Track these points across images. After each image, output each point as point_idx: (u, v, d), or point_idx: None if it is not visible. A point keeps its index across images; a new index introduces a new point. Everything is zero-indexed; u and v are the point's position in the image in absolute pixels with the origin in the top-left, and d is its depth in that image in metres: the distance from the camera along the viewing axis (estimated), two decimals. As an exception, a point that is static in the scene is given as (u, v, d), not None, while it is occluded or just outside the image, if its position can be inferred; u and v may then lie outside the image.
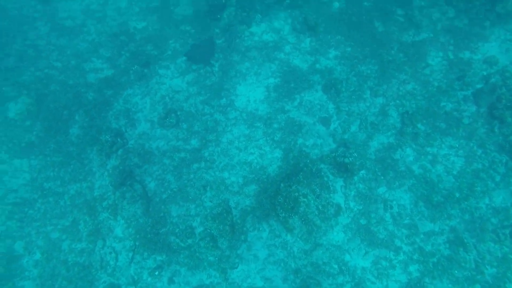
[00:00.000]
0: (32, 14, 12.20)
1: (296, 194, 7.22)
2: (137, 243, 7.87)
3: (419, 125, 8.00)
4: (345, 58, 9.45)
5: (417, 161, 7.79)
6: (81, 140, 9.42)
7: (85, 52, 10.96)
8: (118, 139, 9.03)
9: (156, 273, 7.53)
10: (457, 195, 7.29)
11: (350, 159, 7.57)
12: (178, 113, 9.39)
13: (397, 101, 8.48)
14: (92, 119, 9.69)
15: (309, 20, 9.79)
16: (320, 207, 7.30)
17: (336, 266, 7.17)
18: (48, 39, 11.50)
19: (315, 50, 9.78)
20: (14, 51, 11.45)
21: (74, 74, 10.58)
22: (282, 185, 7.50)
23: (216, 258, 7.45)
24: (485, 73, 8.25)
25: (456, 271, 6.74)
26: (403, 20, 9.42)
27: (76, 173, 8.99)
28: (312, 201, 7.30)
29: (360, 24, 9.66)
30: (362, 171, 7.82)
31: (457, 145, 7.71)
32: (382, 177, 7.74)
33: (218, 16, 10.46)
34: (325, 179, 7.73)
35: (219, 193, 8.09)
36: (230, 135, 8.96)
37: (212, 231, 7.56)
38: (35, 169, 9.24)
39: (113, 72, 10.37)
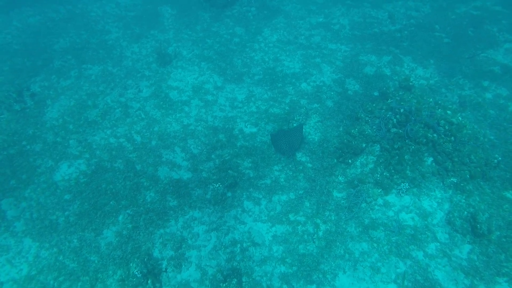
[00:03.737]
0: (143, 71, 12.97)
1: None
2: None
3: None
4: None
5: None
6: (110, 253, 8.25)
7: (172, 135, 10.62)
8: (149, 281, 7.53)
9: None
10: None
11: None
12: (243, 279, 7.61)
13: None
14: (136, 229, 8.61)
15: (478, 220, 7.60)
16: None
17: None
18: (143, 104, 11.72)
19: (476, 270, 7.37)
20: (103, 104, 11.89)
21: (147, 158, 10.10)
22: None
23: None
24: None
25: None
26: None
27: (78, 301, 7.62)
28: None
29: None
30: None
31: None
32: None
33: (350, 161, 9.07)
34: None
35: None
36: None
37: None
38: (39, 265, 8.22)
39: (190, 177, 9.52)
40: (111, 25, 15.45)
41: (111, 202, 9.28)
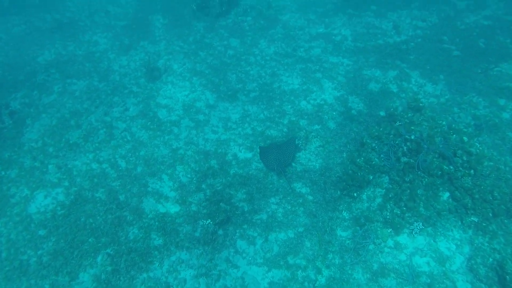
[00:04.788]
0: (131, 87, 11.77)
1: None
2: None
3: None
4: None
5: None
6: (84, 303, 7.06)
7: (159, 161, 9.43)
8: None
9: None
10: None
11: None
12: (236, 338, 6.42)
13: None
14: (116, 272, 7.44)
15: (507, 270, 6.44)
16: None
17: None
18: (129, 124, 10.53)
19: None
20: (87, 124, 10.71)
21: (131, 188, 8.92)
22: None
23: None
24: None
25: None
26: None
27: None
28: None
29: None
30: None
31: None
32: None
33: (355, 194, 7.87)
34: None
35: None
36: None
37: None
38: (4, 318, 7.04)
39: (178, 211, 8.34)
40: (100, 35, 14.24)
41: (89, 239, 8.13)
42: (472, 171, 7.13)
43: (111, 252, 7.85)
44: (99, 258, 7.80)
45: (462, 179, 7.13)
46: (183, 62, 12.30)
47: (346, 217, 7.78)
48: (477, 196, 6.94)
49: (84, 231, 8.32)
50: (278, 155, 8.47)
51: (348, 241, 7.46)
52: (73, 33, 14.42)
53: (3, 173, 9.75)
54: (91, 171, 9.51)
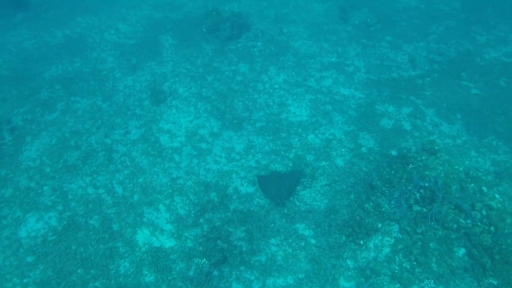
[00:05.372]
0: (134, 108, 11.67)
1: None
2: None
3: None
4: None
5: None
6: None
7: (158, 190, 9.19)
8: None
9: None
10: None
11: None
12: None
13: None
14: (102, 312, 7.06)
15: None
16: None
17: None
18: (129, 148, 10.35)
19: None
20: (86, 145, 10.57)
21: (126, 217, 8.68)
22: None
23: None
24: None
25: None
26: None
27: None
28: None
29: None
30: None
31: None
32: None
33: (361, 242, 7.48)
34: None
35: None
36: None
37: None
38: None
39: (173, 246, 8.03)
40: (108, 53, 14.31)
41: (78, 270, 7.87)
42: (492, 228, 6.71)
43: (100, 286, 7.54)
44: (86, 293, 7.48)
45: (480, 236, 6.72)
46: (189, 86, 12.19)
47: (351, 266, 7.39)
48: (497, 257, 6.50)
49: (74, 261, 8.05)
50: (279, 185, 8.22)
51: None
52: (81, 49, 14.53)
53: (-3, 192, 9.59)
54: (86, 196, 9.32)
